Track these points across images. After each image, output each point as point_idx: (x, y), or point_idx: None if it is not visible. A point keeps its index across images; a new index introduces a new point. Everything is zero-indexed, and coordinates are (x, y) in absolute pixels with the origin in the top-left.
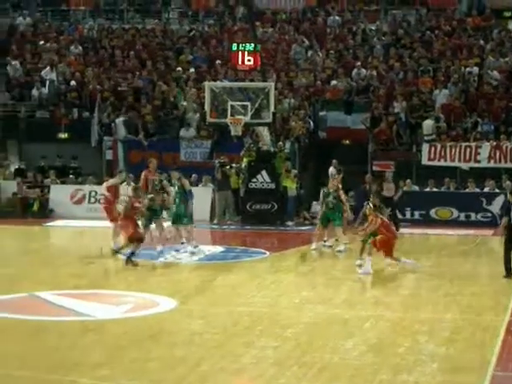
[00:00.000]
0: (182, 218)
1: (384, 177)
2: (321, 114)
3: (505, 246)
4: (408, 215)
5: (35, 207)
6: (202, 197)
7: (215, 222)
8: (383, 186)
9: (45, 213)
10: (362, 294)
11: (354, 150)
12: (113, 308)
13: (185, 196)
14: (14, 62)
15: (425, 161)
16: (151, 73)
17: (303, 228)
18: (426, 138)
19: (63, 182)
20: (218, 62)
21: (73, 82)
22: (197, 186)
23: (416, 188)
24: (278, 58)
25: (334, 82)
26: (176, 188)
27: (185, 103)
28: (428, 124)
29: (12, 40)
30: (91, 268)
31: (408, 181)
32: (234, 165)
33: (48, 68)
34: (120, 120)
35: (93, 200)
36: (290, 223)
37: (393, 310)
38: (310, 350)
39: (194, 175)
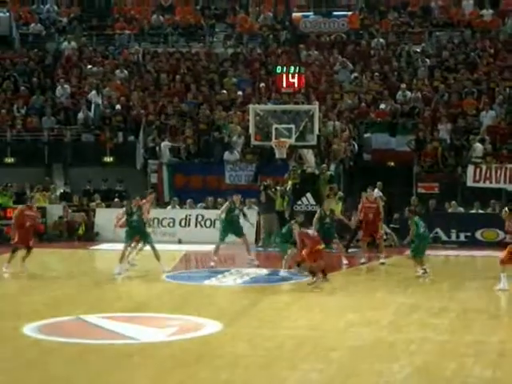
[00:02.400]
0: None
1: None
2: (365, 136)
3: None
4: (453, 237)
5: (81, 231)
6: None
7: (260, 244)
8: None
9: (90, 236)
10: (408, 316)
11: (398, 172)
12: (158, 331)
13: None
14: (59, 87)
15: (470, 182)
16: (196, 96)
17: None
18: (473, 159)
19: (108, 206)
20: (262, 84)
21: (118, 106)
22: None
23: (461, 210)
24: (322, 81)
25: (381, 106)
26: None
27: (231, 125)
28: (478, 146)
29: (58, 64)
30: (137, 291)
31: (453, 202)
32: (278, 187)
33: (93, 92)
34: (165, 143)
35: None
36: (334, 246)
37: (439, 333)
38: (355, 374)
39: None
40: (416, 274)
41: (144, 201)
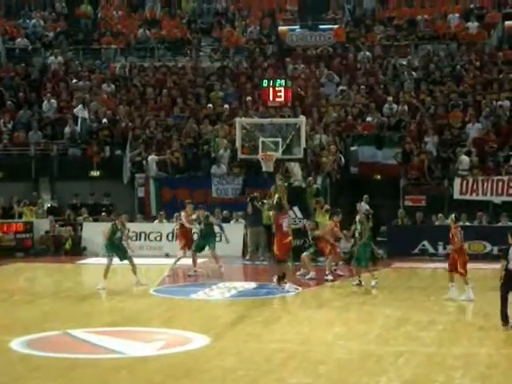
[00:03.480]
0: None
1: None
2: (352, 149)
3: (501, 291)
4: (440, 250)
5: (68, 245)
6: (234, 233)
7: (247, 257)
8: None
9: (77, 250)
10: (396, 329)
11: (385, 185)
12: (145, 345)
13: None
14: (46, 101)
15: (457, 195)
16: (183, 110)
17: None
18: (460, 172)
19: (96, 220)
20: (248, 98)
21: (105, 120)
22: (228, 222)
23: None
24: (309, 94)
25: (368, 119)
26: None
27: (217, 139)
28: (464, 159)
29: (44, 79)
30: (124, 305)
31: (440, 215)
32: (265, 200)
33: (80, 106)
34: (151, 157)
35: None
36: (321, 259)
37: (427, 345)
38: None
39: (224, 211)
40: (352, 282)
41: (183, 213)
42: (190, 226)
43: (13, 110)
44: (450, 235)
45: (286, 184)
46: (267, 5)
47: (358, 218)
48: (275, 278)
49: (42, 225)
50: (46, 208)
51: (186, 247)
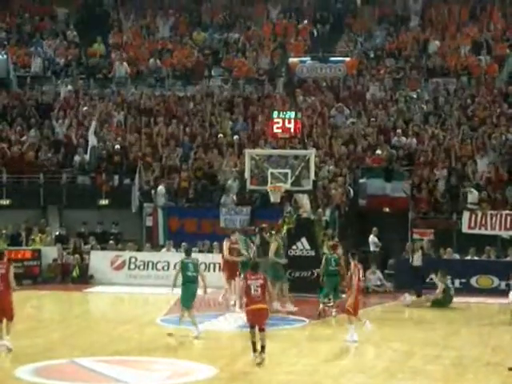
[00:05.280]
0: None
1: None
2: (361, 181)
3: None
4: (448, 283)
5: (75, 273)
6: None
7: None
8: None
9: (85, 279)
10: (403, 363)
11: (394, 217)
12: (151, 375)
13: None
14: (56, 128)
15: (465, 229)
16: (192, 139)
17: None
18: (469, 206)
19: (103, 248)
20: (258, 129)
21: (117, 146)
22: None
23: (456, 256)
24: (319, 126)
25: (377, 152)
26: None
27: (226, 169)
28: (473, 193)
29: (55, 106)
30: (130, 334)
31: (449, 249)
32: (273, 232)
33: (90, 134)
34: (160, 187)
35: (133, 266)
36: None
37: (434, 380)
38: None
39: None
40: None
41: (228, 242)
42: (230, 258)
43: (22, 132)
44: (349, 273)
45: (294, 216)
46: (278, 36)
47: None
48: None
49: (50, 252)
50: (54, 236)
51: (232, 279)
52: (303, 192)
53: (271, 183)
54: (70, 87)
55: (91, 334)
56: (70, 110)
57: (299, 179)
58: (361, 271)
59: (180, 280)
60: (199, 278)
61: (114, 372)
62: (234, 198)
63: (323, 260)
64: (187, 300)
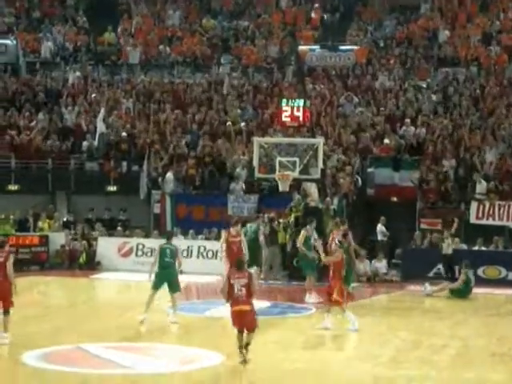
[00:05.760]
0: None
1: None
2: (369, 170)
3: None
4: (456, 274)
5: (82, 259)
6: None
7: (262, 276)
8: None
9: (92, 265)
10: (409, 353)
11: (401, 207)
12: (158, 362)
13: None
14: (65, 114)
15: (473, 219)
16: (201, 127)
17: (353, 285)
18: (477, 196)
19: (111, 235)
20: (267, 117)
21: (124, 134)
22: None
23: (464, 246)
24: (327, 114)
25: (386, 141)
26: None
27: (234, 157)
28: (482, 183)
29: (64, 92)
30: (137, 321)
31: (456, 239)
32: (281, 220)
33: (99, 120)
34: (168, 174)
35: (140, 253)
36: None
37: (439, 369)
38: None
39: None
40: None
41: (226, 234)
42: (223, 254)
43: (31, 118)
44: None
45: (302, 204)
46: (288, 24)
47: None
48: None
49: (58, 238)
50: (61, 222)
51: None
52: (311, 180)
53: (279, 171)
54: (78, 73)
55: (98, 320)
56: (79, 97)
57: (307, 168)
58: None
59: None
60: (176, 264)
61: (121, 358)
62: (243, 185)
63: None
64: (155, 282)
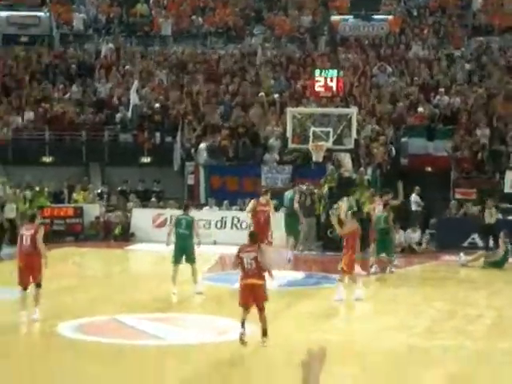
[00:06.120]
0: None
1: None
2: (403, 140)
3: None
4: (490, 244)
5: (117, 231)
6: (282, 222)
7: (300, 248)
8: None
9: (126, 236)
10: (443, 323)
11: (436, 177)
12: (190, 332)
13: None
14: (98, 86)
15: (508, 188)
16: (234, 97)
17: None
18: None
19: (145, 206)
20: (300, 87)
21: (157, 105)
22: (277, 211)
23: (499, 216)
24: (361, 84)
25: (419, 110)
26: None
27: (268, 128)
28: None
29: (97, 64)
30: (170, 292)
31: (493, 209)
32: (316, 191)
33: (132, 92)
34: (202, 145)
35: None
36: (370, 249)
37: (474, 340)
38: (389, 380)
39: (274, 201)
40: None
41: (255, 202)
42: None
43: (65, 90)
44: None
45: (335, 175)
46: None
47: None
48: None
49: (92, 210)
50: (96, 193)
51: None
52: (345, 151)
53: (313, 142)
54: (111, 45)
55: (132, 291)
56: (112, 69)
57: (341, 138)
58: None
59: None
60: (193, 234)
61: (154, 329)
62: (276, 156)
63: (374, 219)
64: (174, 256)
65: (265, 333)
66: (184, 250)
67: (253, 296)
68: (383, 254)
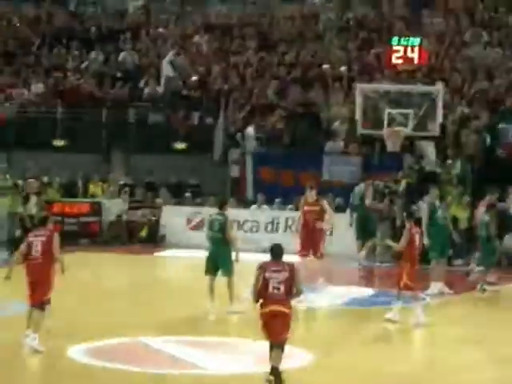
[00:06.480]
0: None
1: None
2: (500, 126)
3: None
4: None
5: (144, 233)
6: (349, 227)
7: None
8: None
9: (155, 240)
10: None
11: None
12: (234, 360)
13: None
14: (123, 54)
15: None
16: (291, 70)
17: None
18: None
19: (178, 203)
20: (373, 58)
21: (195, 79)
22: (344, 211)
23: None
24: (449, 56)
25: None
26: None
27: (333, 108)
28: None
29: (121, 28)
30: (206, 310)
31: None
32: (391, 184)
33: (164, 62)
34: (250, 129)
35: None
36: (459, 262)
37: None
38: None
39: (338, 199)
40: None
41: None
42: (298, 227)
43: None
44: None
45: (416, 168)
46: None
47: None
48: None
49: (113, 207)
50: (118, 186)
51: (305, 250)
52: (428, 139)
53: (388, 127)
54: (140, 1)
55: (162, 307)
56: (140, 33)
57: (423, 123)
58: (416, 235)
59: None
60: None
61: (190, 355)
62: (342, 144)
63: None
64: (206, 265)
65: (275, 372)
66: (217, 258)
67: (274, 328)
68: (481, 267)
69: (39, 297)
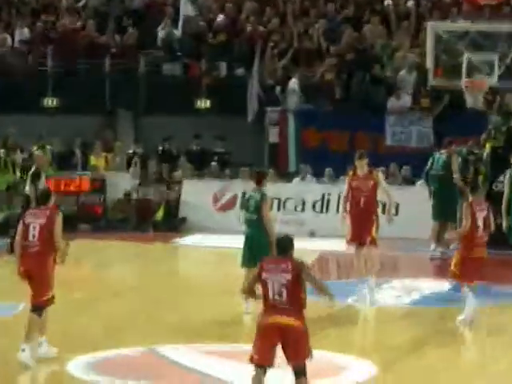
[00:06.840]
0: None
1: None
2: None
3: None
4: None
5: (159, 215)
6: (421, 203)
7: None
8: None
9: (173, 224)
10: None
11: None
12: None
13: None
14: None
15: None
16: (342, 6)
17: None
18: None
19: (202, 177)
20: None
21: (221, 18)
22: (413, 183)
23: None
24: None
25: None
26: None
27: (397, 54)
28: None
29: None
30: (238, 311)
31: None
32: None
33: None
34: (293, 80)
35: None
36: None
37: None
38: None
39: (404, 168)
40: None
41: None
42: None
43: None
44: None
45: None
46: None
47: None
48: None
49: (120, 182)
50: (125, 156)
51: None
52: None
53: (468, 76)
54: None
55: (181, 308)
56: None
57: None
58: (481, 214)
59: None
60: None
61: (214, 368)
62: (409, 99)
63: None
64: (243, 255)
65: None
66: (255, 246)
67: (288, 347)
68: None
69: (36, 298)
